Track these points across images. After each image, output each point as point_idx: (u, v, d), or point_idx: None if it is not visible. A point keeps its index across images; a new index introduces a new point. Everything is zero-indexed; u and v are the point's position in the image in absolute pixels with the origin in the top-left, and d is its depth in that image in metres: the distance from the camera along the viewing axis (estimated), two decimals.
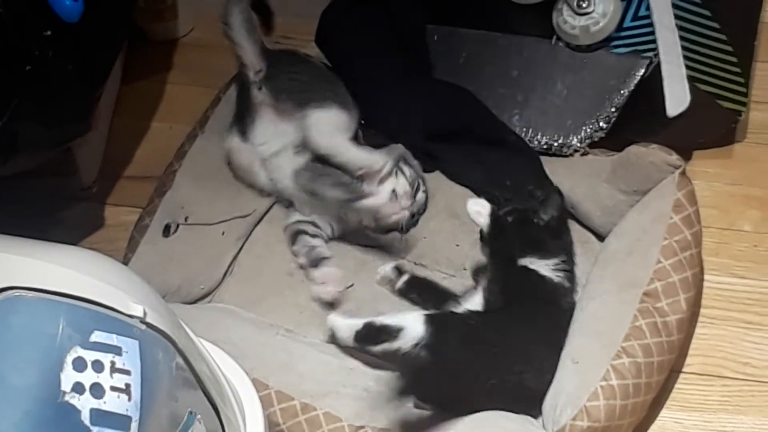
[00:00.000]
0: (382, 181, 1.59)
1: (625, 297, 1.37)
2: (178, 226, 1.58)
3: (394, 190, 1.58)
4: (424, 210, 1.64)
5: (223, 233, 1.62)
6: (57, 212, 1.72)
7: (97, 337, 0.88)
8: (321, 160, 1.60)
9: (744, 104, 1.65)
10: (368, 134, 1.69)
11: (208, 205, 1.62)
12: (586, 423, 1.24)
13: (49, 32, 1.42)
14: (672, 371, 1.39)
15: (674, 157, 1.47)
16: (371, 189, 1.58)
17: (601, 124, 1.61)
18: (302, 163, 1.60)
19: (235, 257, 1.62)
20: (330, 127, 1.61)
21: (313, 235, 1.61)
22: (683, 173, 1.46)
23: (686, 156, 1.56)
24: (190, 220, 1.60)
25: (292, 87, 1.62)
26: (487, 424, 1.28)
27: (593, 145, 1.61)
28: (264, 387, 1.33)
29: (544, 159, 1.62)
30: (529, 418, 1.31)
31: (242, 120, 1.63)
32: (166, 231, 1.57)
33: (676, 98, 1.55)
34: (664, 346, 1.32)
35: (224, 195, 1.65)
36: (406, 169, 1.60)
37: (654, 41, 1.60)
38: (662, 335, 1.32)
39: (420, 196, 1.62)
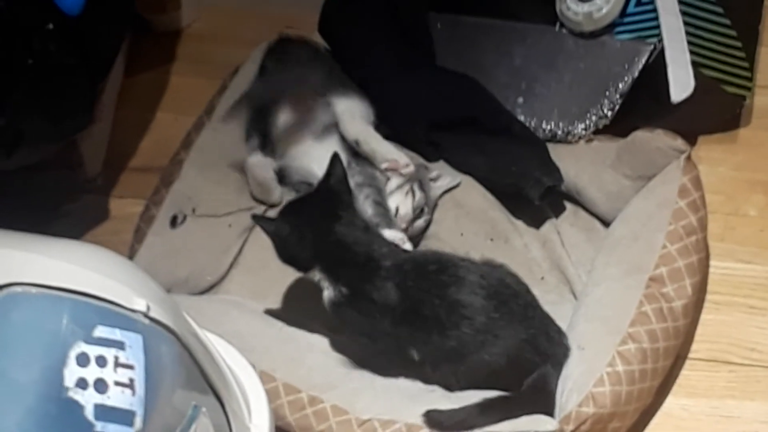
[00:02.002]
0: (391, 193, 1.58)
1: (630, 282, 1.36)
2: (185, 217, 1.59)
3: (397, 208, 1.56)
4: (421, 237, 1.60)
5: (229, 225, 1.62)
6: (61, 205, 1.73)
7: (101, 332, 0.88)
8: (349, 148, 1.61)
9: (749, 89, 1.64)
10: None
11: (215, 196, 1.63)
12: (592, 409, 1.24)
13: (51, 25, 1.42)
14: (678, 357, 1.39)
15: (679, 142, 1.46)
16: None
17: (605, 111, 1.60)
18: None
19: (240, 249, 1.62)
20: (358, 114, 1.63)
21: None
22: (688, 158, 1.46)
23: (691, 141, 1.55)
24: (197, 211, 1.60)
25: (312, 76, 1.66)
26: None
27: (598, 132, 1.61)
28: (271, 379, 1.33)
29: (548, 146, 1.61)
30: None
31: (262, 121, 1.63)
32: (174, 222, 1.58)
33: (681, 84, 1.54)
34: (670, 332, 1.32)
35: (231, 187, 1.65)
36: (417, 192, 1.57)
37: (658, 27, 1.59)
38: (668, 320, 1.32)
39: (419, 223, 1.57)
